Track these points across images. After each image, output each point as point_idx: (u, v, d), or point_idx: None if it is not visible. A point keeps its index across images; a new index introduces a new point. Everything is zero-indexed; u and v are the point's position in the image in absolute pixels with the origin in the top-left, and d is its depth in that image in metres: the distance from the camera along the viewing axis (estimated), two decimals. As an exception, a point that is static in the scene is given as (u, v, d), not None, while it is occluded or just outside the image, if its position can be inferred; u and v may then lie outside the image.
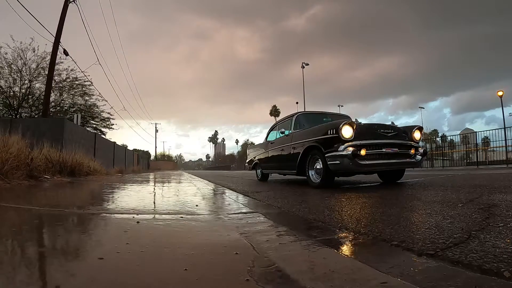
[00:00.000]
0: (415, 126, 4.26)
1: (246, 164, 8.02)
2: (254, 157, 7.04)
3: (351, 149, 3.49)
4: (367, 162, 3.60)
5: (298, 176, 4.74)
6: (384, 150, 3.74)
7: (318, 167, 4.05)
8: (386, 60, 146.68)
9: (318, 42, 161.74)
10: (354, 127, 3.65)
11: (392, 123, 4.79)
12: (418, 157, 4.07)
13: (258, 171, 6.81)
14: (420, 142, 4.44)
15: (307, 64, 27.16)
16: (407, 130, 4.21)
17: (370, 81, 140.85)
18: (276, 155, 5.52)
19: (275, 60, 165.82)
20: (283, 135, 5.19)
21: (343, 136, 3.58)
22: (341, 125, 3.62)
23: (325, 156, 3.73)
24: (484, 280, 0.80)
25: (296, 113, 5.32)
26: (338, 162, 3.56)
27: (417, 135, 4.19)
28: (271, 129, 6.38)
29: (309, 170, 4.23)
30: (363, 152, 3.54)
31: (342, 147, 3.56)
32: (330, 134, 3.76)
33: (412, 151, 4.00)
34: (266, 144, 6.29)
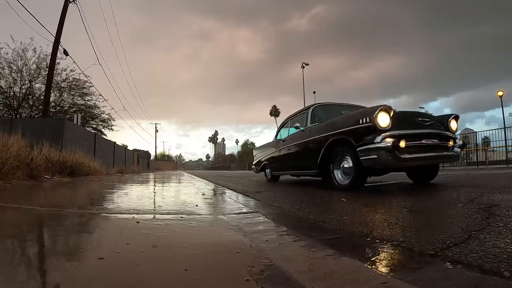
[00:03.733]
0: (451, 114, 3.69)
1: (253, 167, 7.45)
2: (262, 158, 6.51)
3: (390, 140, 2.93)
4: (407, 156, 3.03)
5: (317, 177, 4.25)
6: (424, 141, 3.20)
7: (346, 165, 3.47)
8: (387, 60, 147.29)
9: (319, 42, 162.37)
10: (391, 114, 3.08)
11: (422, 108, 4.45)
12: (457, 149, 3.57)
13: (268, 171, 6.34)
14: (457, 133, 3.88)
15: (307, 64, 27.18)
16: (443, 119, 3.64)
17: (371, 81, 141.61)
18: (290, 154, 4.93)
19: (276, 61, 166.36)
20: (298, 130, 4.61)
21: (379, 125, 3.00)
22: (376, 112, 3.02)
23: (357, 150, 3.15)
24: (484, 280, 0.80)
25: (312, 105, 4.75)
26: (375, 156, 2.98)
27: (453, 125, 3.62)
28: (282, 126, 5.81)
29: (334, 169, 3.65)
30: (402, 144, 2.97)
31: (379, 138, 2.98)
32: (362, 123, 3.15)
33: (451, 143, 3.48)
34: (277, 142, 5.71)
